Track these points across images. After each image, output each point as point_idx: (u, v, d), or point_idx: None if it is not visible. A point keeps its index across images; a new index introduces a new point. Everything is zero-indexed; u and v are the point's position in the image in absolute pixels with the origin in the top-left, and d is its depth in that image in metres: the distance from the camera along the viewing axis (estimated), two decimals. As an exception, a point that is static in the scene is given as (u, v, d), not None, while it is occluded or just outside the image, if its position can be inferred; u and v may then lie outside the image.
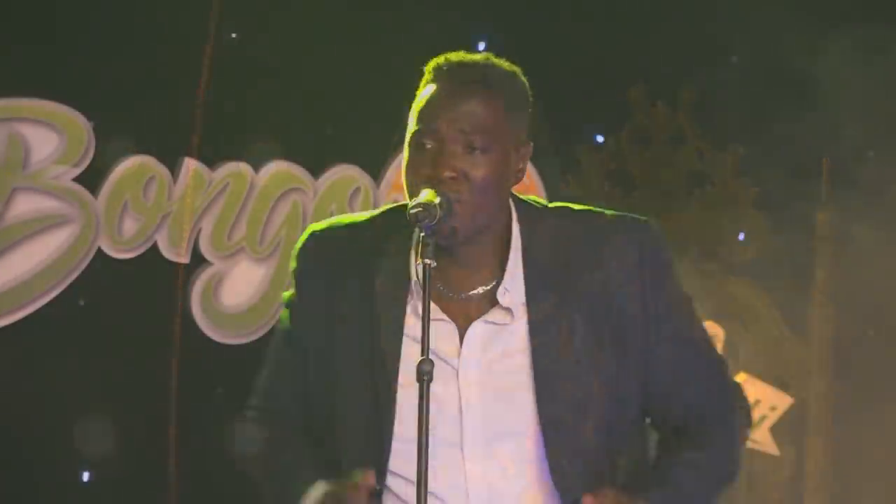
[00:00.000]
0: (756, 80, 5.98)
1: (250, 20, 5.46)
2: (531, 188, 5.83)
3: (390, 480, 2.58)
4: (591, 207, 2.72)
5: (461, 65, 2.64)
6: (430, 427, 2.39)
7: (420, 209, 2.46)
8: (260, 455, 2.72)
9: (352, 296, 2.62)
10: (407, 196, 2.58)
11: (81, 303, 5.32)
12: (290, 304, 2.72)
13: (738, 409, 2.81)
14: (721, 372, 2.75)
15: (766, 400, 6.00)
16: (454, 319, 2.62)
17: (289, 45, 5.44)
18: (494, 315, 2.62)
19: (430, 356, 2.44)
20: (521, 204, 2.70)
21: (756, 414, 5.99)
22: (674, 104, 6.22)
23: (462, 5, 5.68)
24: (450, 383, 2.59)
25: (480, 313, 2.62)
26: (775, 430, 6.01)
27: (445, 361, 2.58)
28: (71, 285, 5.30)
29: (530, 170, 5.85)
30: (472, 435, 2.58)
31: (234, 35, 5.48)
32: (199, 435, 5.37)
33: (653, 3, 5.97)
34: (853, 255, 5.95)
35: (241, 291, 5.49)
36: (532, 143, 2.68)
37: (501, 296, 2.61)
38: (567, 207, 2.72)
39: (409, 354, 2.56)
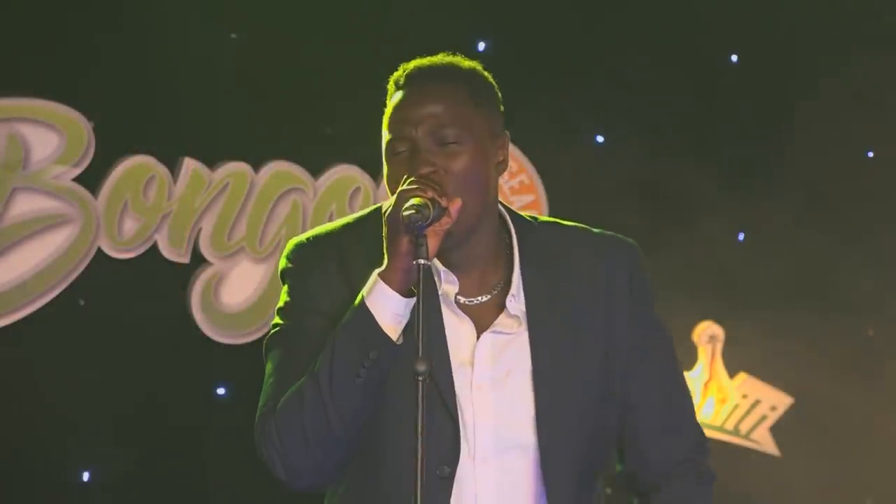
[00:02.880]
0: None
1: (250, 20, 5.46)
2: (531, 188, 5.83)
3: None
4: (578, 224, 2.75)
5: (421, 69, 2.69)
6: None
7: (412, 211, 2.46)
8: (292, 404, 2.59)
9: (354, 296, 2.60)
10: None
11: (81, 303, 5.32)
12: (291, 305, 2.68)
13: (704, 454, 2.77)
14: (691, 410, 2.77)
15: (766, 400, 6.00)
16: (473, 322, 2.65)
17: (288, 45, 5.44)
18: (503, 323, 2.64)
19: (450, 361, 2.50)
20: (513, 214, 2.71)
21: (756, 414, 6.00)
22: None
23: (462, 5, 5.68)
24: (466, 390, 2.61)
25: (490, 321, 2.64)
26: (775, 430, 6.02)
27: (462, 369, 2.61)
28: (71, 285, 5.29)
29: (530, 171, 5.84)
30: (483, 445, 2.60)
31: (233, 35, 5.48)
32: (199, 435, 5.37)
33: (653, 3, 5.97)
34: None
35: (241, 291, 5.49)
36: (508, 134, 2.70)
37: (510, 302, 2.64)
38: (556, 223, 2.75)
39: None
